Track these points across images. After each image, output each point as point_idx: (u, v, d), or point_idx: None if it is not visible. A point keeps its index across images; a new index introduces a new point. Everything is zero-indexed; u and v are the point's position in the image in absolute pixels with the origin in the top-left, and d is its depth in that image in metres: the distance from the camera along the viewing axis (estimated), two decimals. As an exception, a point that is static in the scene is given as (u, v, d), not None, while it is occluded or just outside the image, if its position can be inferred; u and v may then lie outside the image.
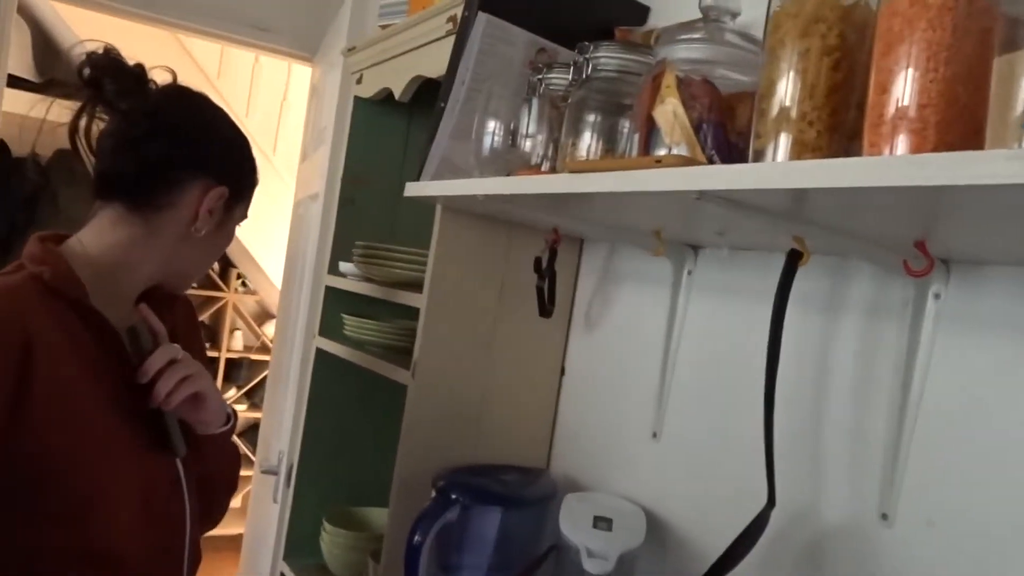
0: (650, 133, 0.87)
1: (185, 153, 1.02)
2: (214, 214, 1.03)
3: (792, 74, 0.69)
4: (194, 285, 4.43)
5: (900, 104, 0.60)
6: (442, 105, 1.15)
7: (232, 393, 4.63)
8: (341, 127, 1.79)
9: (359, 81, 1.67)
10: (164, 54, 3.67)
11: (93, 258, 0.98)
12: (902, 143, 0.59)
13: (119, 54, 1.00)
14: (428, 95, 1.39)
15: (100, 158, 1.01)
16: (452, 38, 1.22)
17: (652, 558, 1.15)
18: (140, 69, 1.01)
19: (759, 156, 0.70)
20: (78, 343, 0.93)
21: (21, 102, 2.97)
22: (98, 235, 1.00)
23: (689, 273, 1.16)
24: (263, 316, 4.86)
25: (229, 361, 4.62)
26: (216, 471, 1.11)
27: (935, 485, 0.84)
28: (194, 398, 1.00)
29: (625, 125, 0.97)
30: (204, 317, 4.53)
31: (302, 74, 3.47)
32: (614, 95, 0.98)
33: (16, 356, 0.85)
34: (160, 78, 1.04)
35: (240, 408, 4.66)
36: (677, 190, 0.69)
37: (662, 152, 0.86)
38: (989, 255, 0.79)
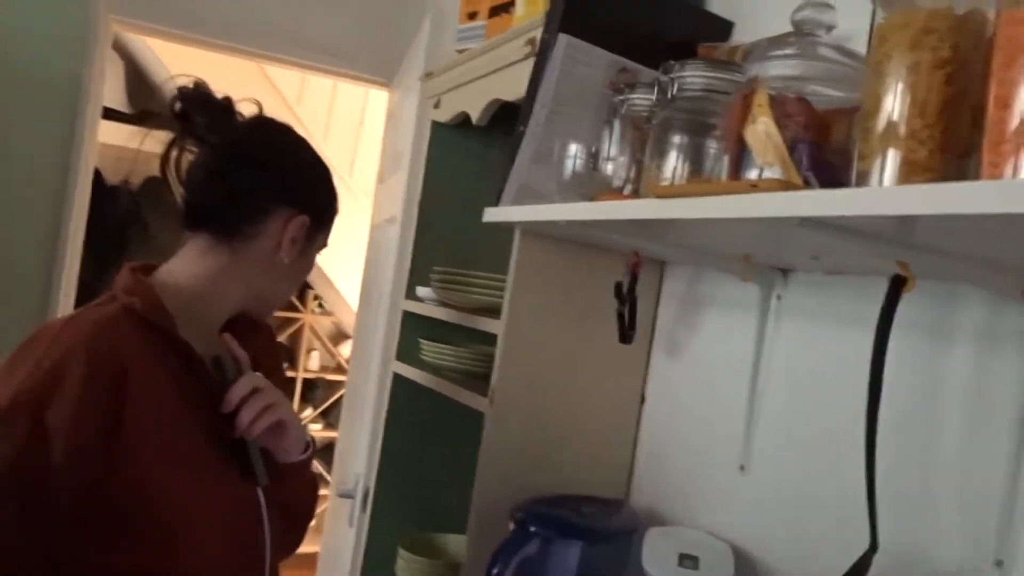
0: (741, 154, 0.84)
1: (270, 183, 1.03)
2: (297, 243, 1.04)
3: (900, 89, 0.65)
4: (273, 307, 4.55)
5: (1026, 120, 0.55)
6: (522, 129, 1.13)
7: (308, 413, 4.70)
8: (419, 152, 1.79)
9: (436, 105, 1.67)
10: (247, 82, 3.79)
11: (182, 288, 1.00)
12: (1029, 162, 0.55)
13: (208, 88, 1.02)
14: (505, 119, 1.38)
15: (189, 189, 1.03)
16: (530, 61, 1.21)
17: (741, 598, 1.09)
18: (228, 102, 1.03)
19: (863, 178, 0.66)
20: (169, 373, 0.95)
21: (114, 133, 3.11)
22: (187, 265, 1.01)
23: (779, 298, 1.11)
24: (339, 337, 4.94)
25: (306, 381, 4.70)
26: (295, 498, 1.11)
27: (1063, 532, 0.77)
28: (276, 426, 1.00)
29: (712, 146, 0.93)
30: (282, 338, 4.63)
31: (377, 99, 3.53)
32: (700, 114, 0.95)
33: (111, 385, 0.87)
34: (247, 110, 1.06)
35: (316, 428, 4.74)
36: (776, 216, 0.65)
37: (753, 173, 0.82)
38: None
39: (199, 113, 1.00)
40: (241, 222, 1.01)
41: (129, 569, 0.90)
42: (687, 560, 1.01)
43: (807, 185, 0.78)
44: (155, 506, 0.90)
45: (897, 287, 0.76)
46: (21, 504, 0.83)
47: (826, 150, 0.83)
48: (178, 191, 1.02)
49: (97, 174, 3.55)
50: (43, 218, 2.41)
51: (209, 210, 1.02)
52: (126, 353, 0.89)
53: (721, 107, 0.92)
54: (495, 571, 1.04)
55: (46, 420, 0.83)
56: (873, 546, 0.82)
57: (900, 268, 0.76)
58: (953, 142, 0.64)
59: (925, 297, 0.92)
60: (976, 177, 0.58)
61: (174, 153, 1.02)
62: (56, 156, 2.41)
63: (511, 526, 1.13)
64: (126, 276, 0.97)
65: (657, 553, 1.04)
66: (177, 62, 3.62)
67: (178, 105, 1.00)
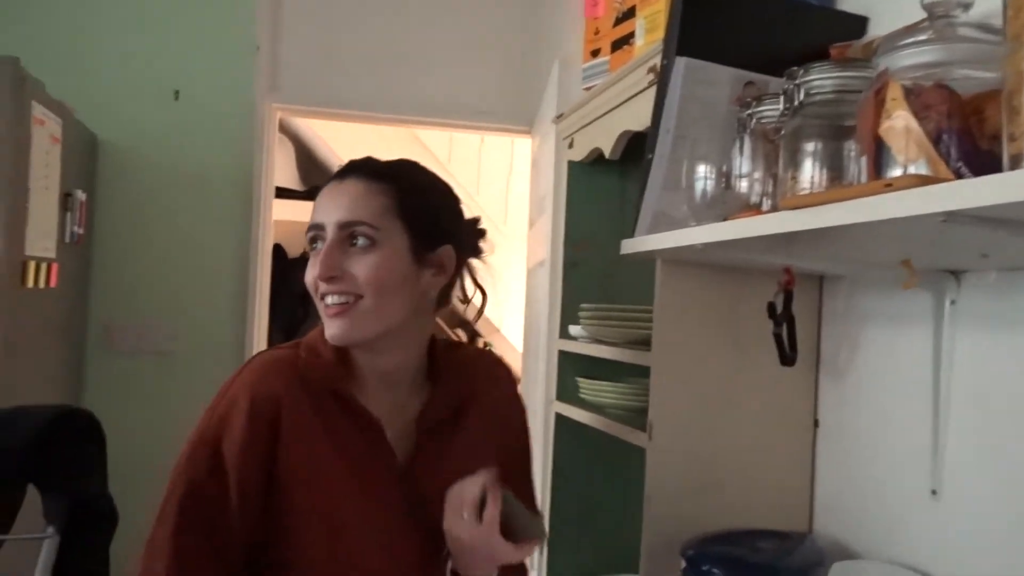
0: (879, 154, 0.78)
1: None
2: None
3: (1046, 61, 0.58)
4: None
5: None
6: (649, 157, 1.12)
7: (489, 458, 4.78)
8: (559, 193, 1.81)
9: (571, 145, 1.68)
10: (401, 147, 4.00)
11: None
12: None
13: None
14: (638, 150, 1.37)
15: None
16: (654, 88, 1.19)
17: (948, 637, 0.99)
18: None
19: (1016, 162, 0.59)
20: (330, 424, 1.00)
21: (291, 210, 3.39)
22: None
23: (952, 303, 1.01)
24: (511, 381, 5.01)
25: (483, 427, 4.79)
26: None
27: None
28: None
29: (851, 149, 0.88)
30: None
31: (523, 147, 3.61)
32: (834, 118, 0.89)
33: (267, 423, 0.96)
34: None
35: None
36: (915, 215, 0.60)
37: (896, 173, 0.76)
38: None
39: None
40: None
41: None
42: (876, 597, 0.93)
43: (958, 178, 0.71)
44: (303, 542, 0.97)
45: (1083, 278, 0.68)
46: (208, 533, 0.94)
47: (980, 137, 0.75)
48: None
49: (279, 249, 3.85)
50: (231, 293, 2.66)
51: None
52: (285, 397, 0.98)
53: (855, 107, 0.86)
54: (667, 613, 1.00)
55: (223, 453, 0.95)
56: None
57: (1084, 256, 0.67)
58: (1119, 110, 0.57)
59: (1126, 285, 0.81)
60: None
61: None
62: (237, 237, 2.66)
63: (683, 565, 1.09)
64: (314, 331, 1.06)
65: (843, 590, 0.96)
66: (335, 137, 3.88)
67: None
